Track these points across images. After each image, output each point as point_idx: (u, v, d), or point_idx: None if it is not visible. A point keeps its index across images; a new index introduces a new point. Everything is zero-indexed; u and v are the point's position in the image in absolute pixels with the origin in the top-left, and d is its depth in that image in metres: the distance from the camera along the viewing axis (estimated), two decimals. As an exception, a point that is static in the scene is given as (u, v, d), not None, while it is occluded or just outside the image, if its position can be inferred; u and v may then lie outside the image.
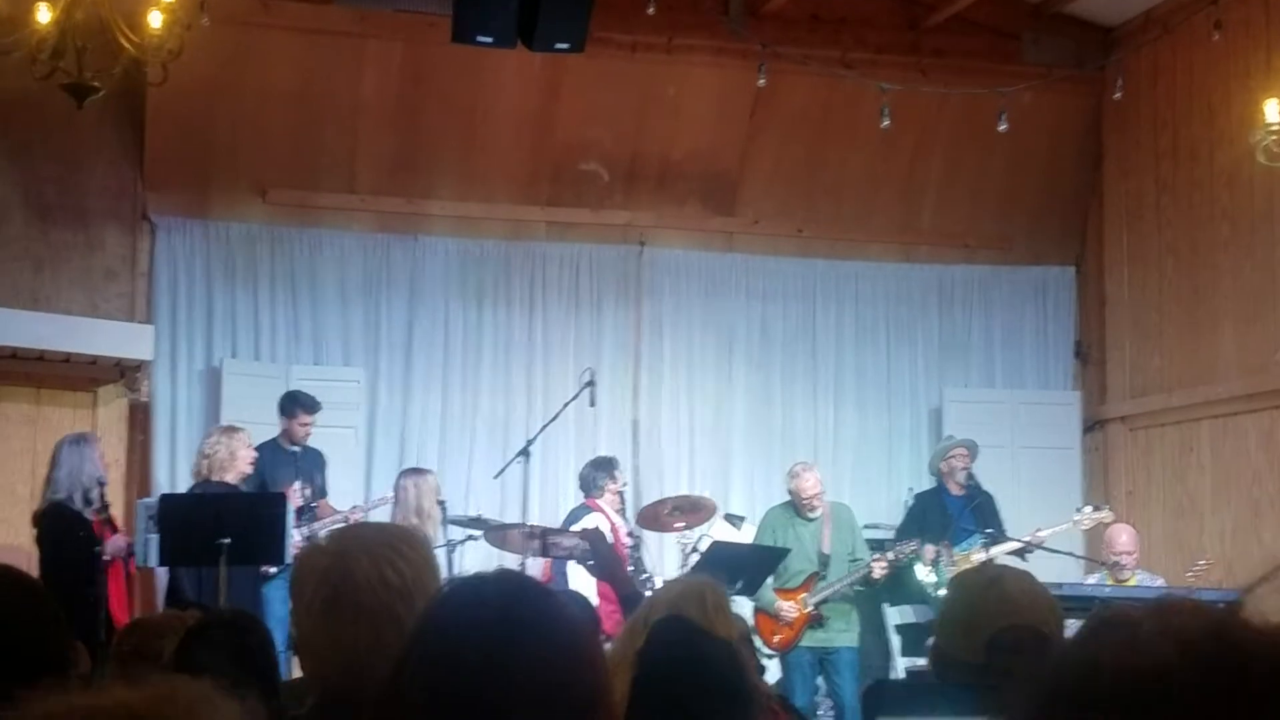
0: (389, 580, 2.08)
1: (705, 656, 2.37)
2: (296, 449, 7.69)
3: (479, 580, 1.54)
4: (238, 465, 6.96)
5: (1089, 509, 7.89)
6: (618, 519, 7.47)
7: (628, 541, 7.37)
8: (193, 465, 7.17)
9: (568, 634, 1.50)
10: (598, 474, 7.63)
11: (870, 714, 1.32)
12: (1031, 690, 0.76)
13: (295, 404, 7.71)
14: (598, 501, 7.46)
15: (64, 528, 6.40)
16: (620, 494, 7.67)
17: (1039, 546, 7.62)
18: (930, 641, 2.42)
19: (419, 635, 1.50)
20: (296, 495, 7.34)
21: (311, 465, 7.69)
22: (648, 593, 6.02)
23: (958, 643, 2.14)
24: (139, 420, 8.35)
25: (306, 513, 7.30)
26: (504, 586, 1.53)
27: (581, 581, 6.25)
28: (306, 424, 7.70)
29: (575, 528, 6.59)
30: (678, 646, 2.41)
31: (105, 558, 6.53)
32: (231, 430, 7.13)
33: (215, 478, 6.91)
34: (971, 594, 2.26)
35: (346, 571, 2.09)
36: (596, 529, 6.36)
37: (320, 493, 7.69)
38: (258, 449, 7.31)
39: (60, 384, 8.01)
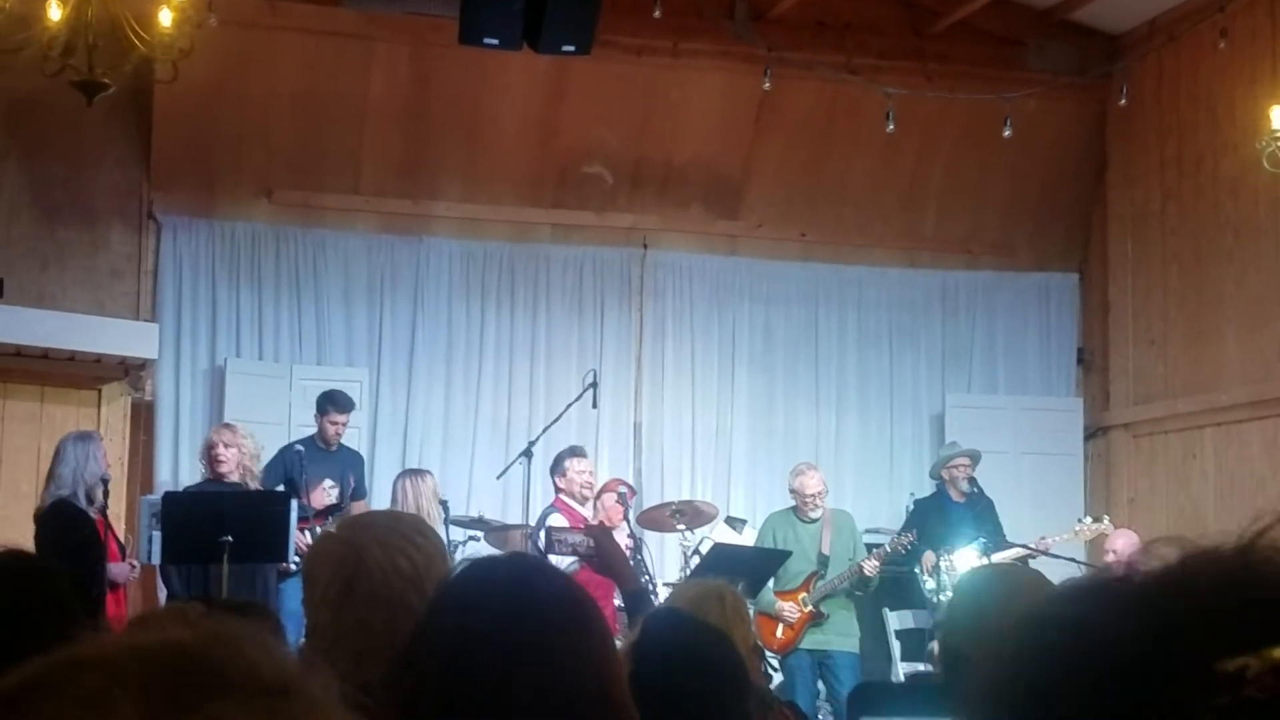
0: (402, 569, 2.10)
1: (699, 646, 2.38)
2: (333, 448, 7.70)
3: (491, 560, 1.56)
4: (246, 463, 6.98)
5: (1089, 520, 7.89)
6: (585, 511, 7.39)
7: (629, 543, 7.35)
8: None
9: (578, 611, 1.51)
10: (552, 471, 7.55)
11: (855, 714, 1.34)
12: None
13: (329, 402, 7.71)
14: (561, 499, 7.42)
15: (67, 525, 6.38)
16: (589, 483, 7.56)
17: (1043, 553, 7.62)
18: (932, 645, 2.44)
19: (433, 609, 1.52)
20: (326, 494, 7.33)
21: (347, 466, 7.68)
22: (652, 596, 6.04)
23: (966, 638, 2.15)
24: (143, 419, 8.36)
25: (337, 512, 7.26)
26: (516, 565, 1.55)
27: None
28: (338, 423, 7.69)
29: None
30: (671, 637, 2.41)
31: (109, 580, 6.48)
32: (229, 428, 7.14)
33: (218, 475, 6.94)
34: (980, 589, 2.28)
35: (360, 561, 2.11)
36: (600, 524, 6.37)
37: (359, 494, 7.68)
38: (298, 445, 7.36)
39: (65, 382, 8.02)
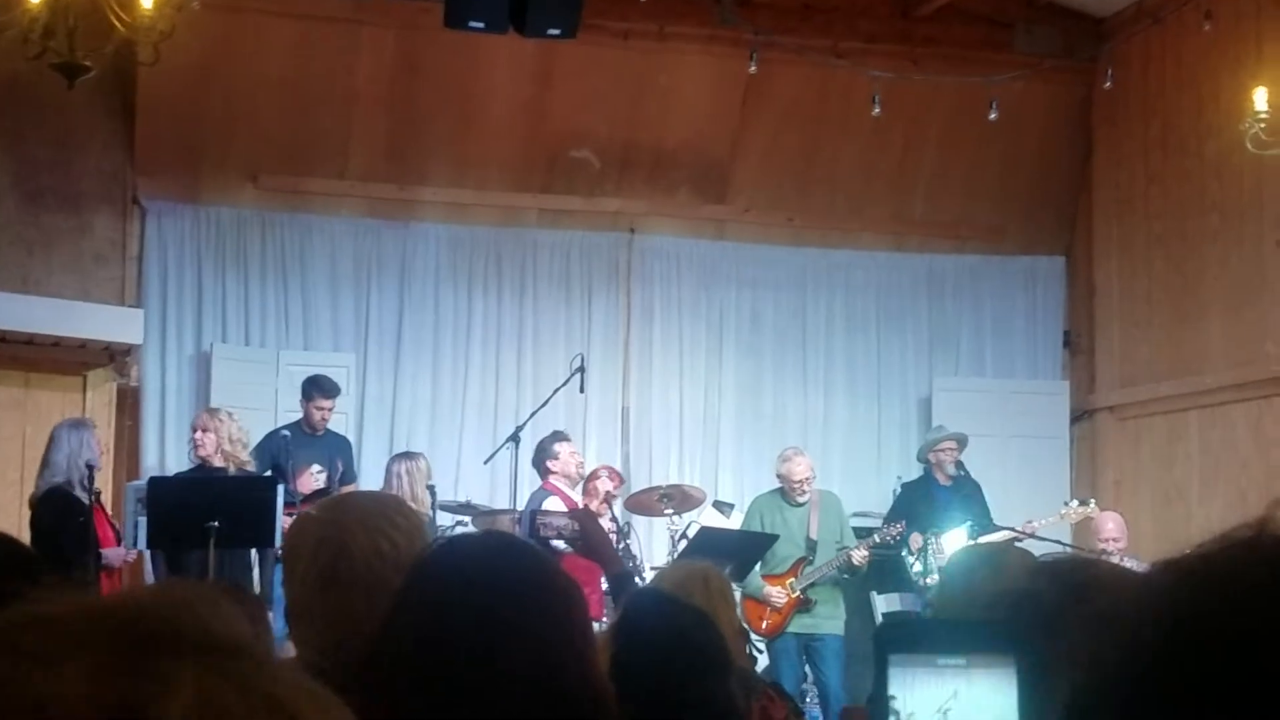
0: (383, 550, 2.09)
1: (681, 626, 2.39)
2: (320, 433, 7.69)
3: (467, 536, 1.56)
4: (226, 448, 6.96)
5: (1075, 503, 7.92)
6: (575, 495, 7.41)
7: (611, 527, 7.36)
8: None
9: (553, 587, 1.52)
10: (540, 457, 7.55)
11: (883, 650, 1.34)
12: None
13: (314, 387, 7.71)
14: (552, 482, 7.43)
15: (63, 512, 6.38)
16: (582, 463, 7.57)
17: (1030, 536, 7.64)
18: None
19: (409, 585, 1.52)
20: (313, 479, 7.33)
21: (334, 450, 7.68)
22: (637, 579, 6.05)
23: (957, 613, 2.16)
24: (128, 405, 8.34)
25: (324, 496, 7.25)
26: (491, 541, 1.55)
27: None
28: (323, 408, 7.69)
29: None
30: (653, 617, 2.42)
31: (104, 563, 6.48)
32: (217, 412, 7.13)
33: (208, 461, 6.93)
34: (972, 565, 2.29)
35: (341, 542, 2.10)
36: (586, 508, 6.38)
37: (347, 478, 7.68)
38: (284, 430, 7.35)
39: (49, 368, 8.00)
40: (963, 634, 1.37)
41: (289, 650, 2.18)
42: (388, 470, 7.53)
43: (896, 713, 1.32)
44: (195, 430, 6.96)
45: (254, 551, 6.87)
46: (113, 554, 6.55)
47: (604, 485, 7.51)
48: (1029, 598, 1.53)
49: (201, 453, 6.87)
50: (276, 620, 3.95)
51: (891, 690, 1.32)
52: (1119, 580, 1.63)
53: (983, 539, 7.60)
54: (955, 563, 2.57)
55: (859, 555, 7.37)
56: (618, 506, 7.79)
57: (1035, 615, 1.40)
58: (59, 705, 0.58)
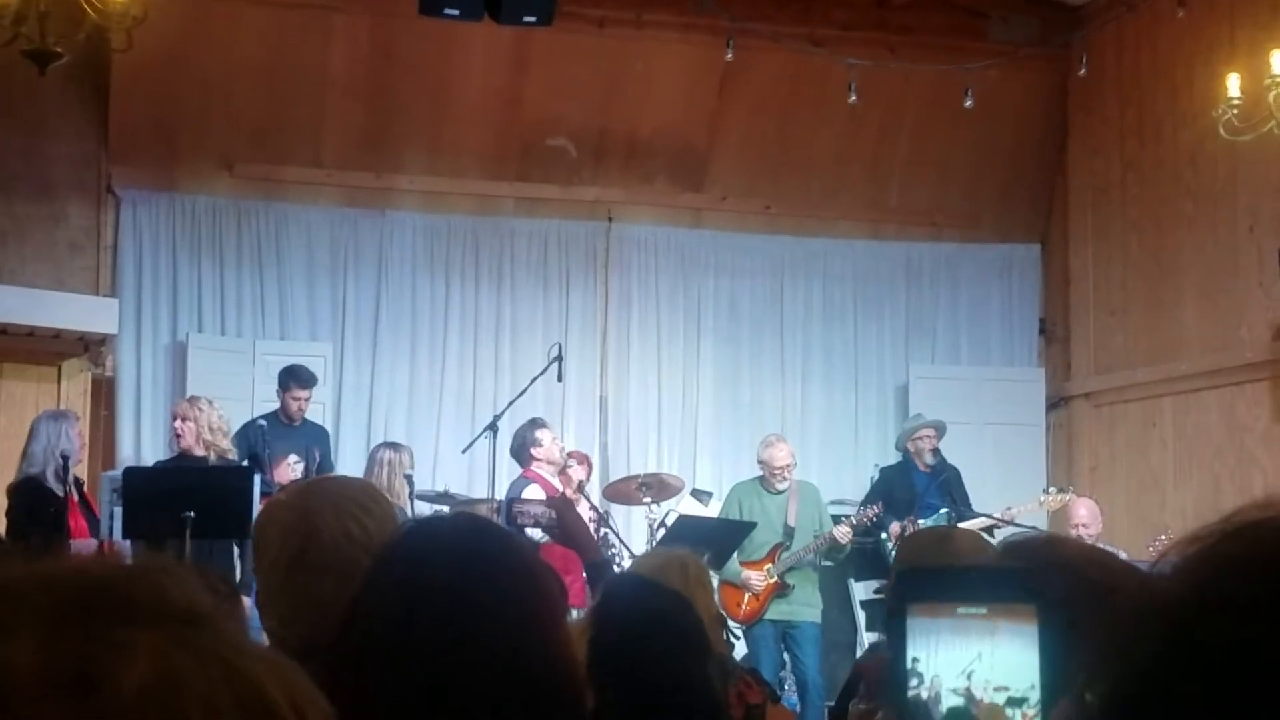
0: (354, 535, 2.08)
1: (659, 610, 2.39)
2: (297, 423, 7.66)
3: (437, 518, 1.56)
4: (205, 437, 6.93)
5: (1054, 490, 7.95)
6: (558, 482, 7.40)
7: (592, 516, 7.36)
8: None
9: (520, 567, 1.51)
10: (523, 444, 7.53)
11: (901, 600, 1.34)
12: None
13: (291, 377, 7.67)
14: (533, 470, 7.42)
15: (35, 502, 6.35)
16: (561, 451, 7.56)
17: (1008, 523, 7.68)
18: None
19: (379, 566, 1.51)
20: (290, 469, 7.30)
21: (311, 440, 7.65)
22: (615, 567, 6.05)
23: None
24: (103, 395, 8.30)
25: None
26: (461, 524, 1.54)
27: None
28: (300, 398, 7.65)
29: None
30: (631, 602, 2.42)
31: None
32: (201, 401, 7.09)
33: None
34: (922, 549, 2.30)
35: (311, 527, 2.09)
36: (564, 495, 6.38)
37: (325, 468, 7.65)
38: (261, 420, 7.32)
39: (24, 358, 7.95)
40: (984, 581, 1.37)
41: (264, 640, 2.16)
42: (371, 457, 7.50)
43: (920, 675, 1.31)
44: (175, 419, 6.91)
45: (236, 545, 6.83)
46: (81, 545, 6.51)
47: (577, 474, 7.49)
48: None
49: (183, 443, 6.83)
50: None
51: (913, 653, 1.31)
52: (1088, 558, 1.63)
53: (961, 526, 7.64)
54: (906, 547, 2.57)
55: (841, 532, 7.37)
56: (594, 494, 7.79)
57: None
58: (12, 674, 0.57)
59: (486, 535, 1.56)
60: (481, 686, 1.44)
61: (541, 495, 6.75)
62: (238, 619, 0.65)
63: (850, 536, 7.42)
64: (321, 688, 0.66)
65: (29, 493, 6.38)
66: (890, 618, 1.33)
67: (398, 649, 1.44)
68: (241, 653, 0.62)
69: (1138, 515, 8.54)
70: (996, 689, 1.31)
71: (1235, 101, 6.48)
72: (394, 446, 7.54)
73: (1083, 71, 8.75)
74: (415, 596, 1.45)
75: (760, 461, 7.57)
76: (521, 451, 7.49)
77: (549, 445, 7.41)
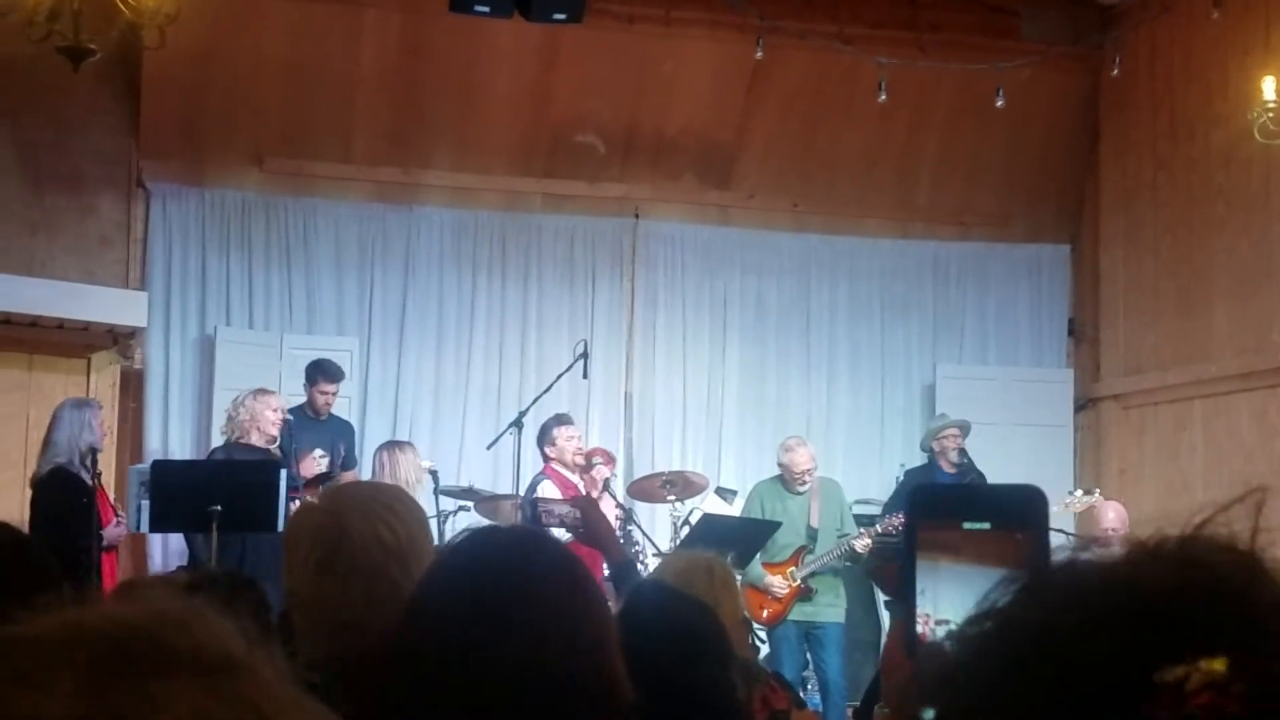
0: (384, 540, 2.09)
1: (682, 619, 2.38)
2: (323, 418, 7.70)
3: (491, 533, 1.54)
4: (261, 426, 6.99)
5: (1080, 493, 7.89)
6: (574, 479, 7.39)
7: (618, 513, 7.36)
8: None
9: (578, 588, 1.51)
10: (541, 441, 7.54)
11: (913, 518, 1.36)
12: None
13: (318, 371, 7.70)
14: (552, 467, 7.42)
15: (67, 492, 6.36)
16: (580, 449, 7.55)
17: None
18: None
19: (430, 580, 1.50)
20: (315, 463, 7.33)
21: (337, 435, 7.68)
22: (640, 565, 6.05)
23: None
24: (132, 387, 8.35)
25: (327, 481, 7.25)
26: (517, 537, 1.53)
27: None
28: (327, 392, 7.68)
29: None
30: (654, 610, 2.42)
31: (104, 543, 6.48)
32: (260, 393, 7.16)
33: (241, 440, 6.95)
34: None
35: (342, 530, 2.10)
36: (588, 495, 6.37)
37: (349, 463, 7.68)
38: (287, 414, 7.35)
39: (53, 350, 7.99)
40: (988, 501, 1.39)
41: None
42: (373, 458, 7.55)
43: (924, 591, 1.33)
44: (274, 409, 7.07)
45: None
46: (111, 532, 6.55)
47: (603, 473, 7.48)
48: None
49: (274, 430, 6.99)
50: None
51: (921, 585, 1.33)
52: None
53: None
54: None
55: (861, 544, 7.35)
56: (619, 491, 7.79)
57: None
58: None
59: (540, 555, 1.55)
60: (536, 697, 1.44)
61: (556, 493, 6.76)
62: (273, 663, 0.65)
63: (870, 547, 7.39)
64: (365, 691, 0.66)
65: (60, 483, 6.38)
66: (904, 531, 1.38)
67: (447, 670, 1.43)
68: (276, 700, 0.61)
69: (1166, 519, 8.45)
70: None
71: (1271, 105, 6.44)
72: (395, 445, 7.56)
73: (1115, 72, 8.69)
74: (467, 619, 1.44)
75: (781, 465, 7.54)
76: (541, 445, 7.51)
77: (561, 445, 7.40)
